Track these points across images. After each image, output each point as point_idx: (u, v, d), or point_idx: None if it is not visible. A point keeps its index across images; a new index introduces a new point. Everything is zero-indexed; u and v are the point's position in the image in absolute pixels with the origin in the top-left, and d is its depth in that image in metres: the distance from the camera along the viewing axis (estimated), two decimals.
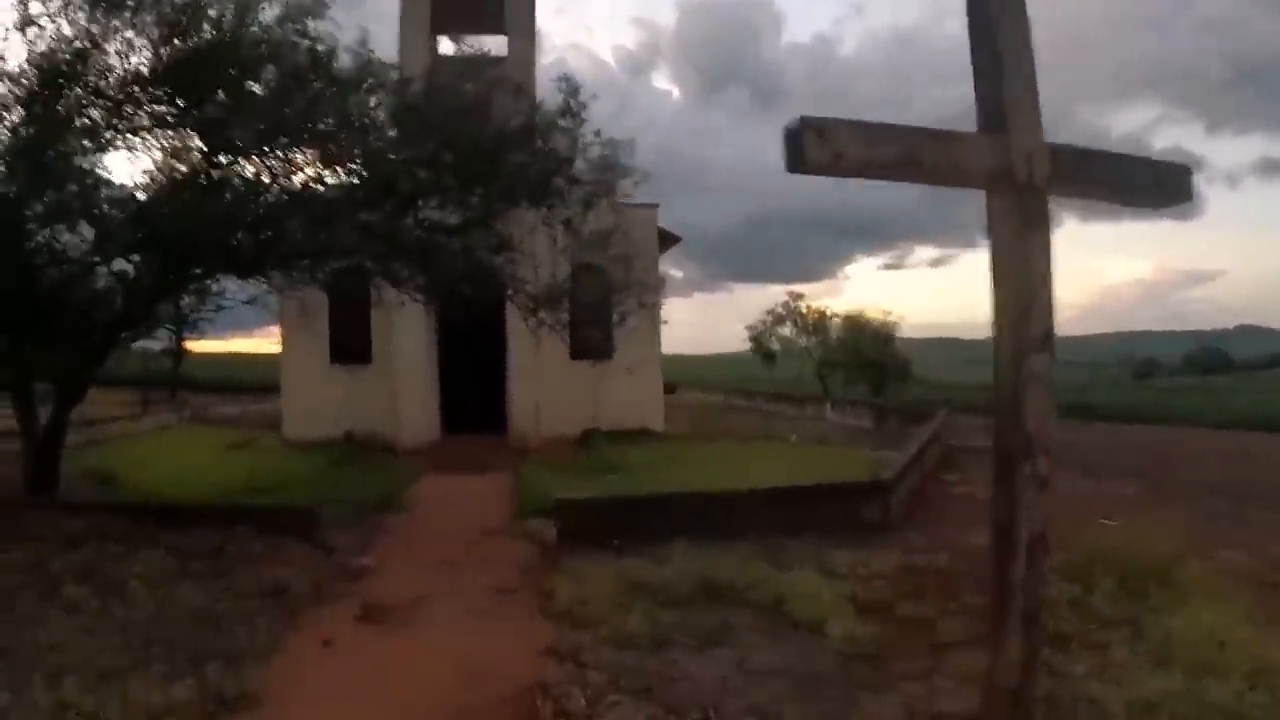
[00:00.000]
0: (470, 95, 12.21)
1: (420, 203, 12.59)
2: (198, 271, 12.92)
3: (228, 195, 11.99)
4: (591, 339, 25.51)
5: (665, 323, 15.85)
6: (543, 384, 24.32)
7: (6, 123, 11.17)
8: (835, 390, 44.57)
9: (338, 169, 12.13)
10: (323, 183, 12.33)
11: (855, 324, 47.02)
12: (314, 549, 10.50)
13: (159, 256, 12.41)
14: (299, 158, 12.01)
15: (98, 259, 13.00)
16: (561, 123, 12.44)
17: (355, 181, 12.20)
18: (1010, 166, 3.45)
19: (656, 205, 26.08)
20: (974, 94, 3.56)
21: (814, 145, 3.06)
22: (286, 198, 12.19)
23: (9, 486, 13.84)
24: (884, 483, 12.66)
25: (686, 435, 26.58)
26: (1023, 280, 3.51)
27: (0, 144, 11.22)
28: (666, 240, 28.10)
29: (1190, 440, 24.99)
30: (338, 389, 25.32)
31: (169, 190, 11.99)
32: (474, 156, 11.70)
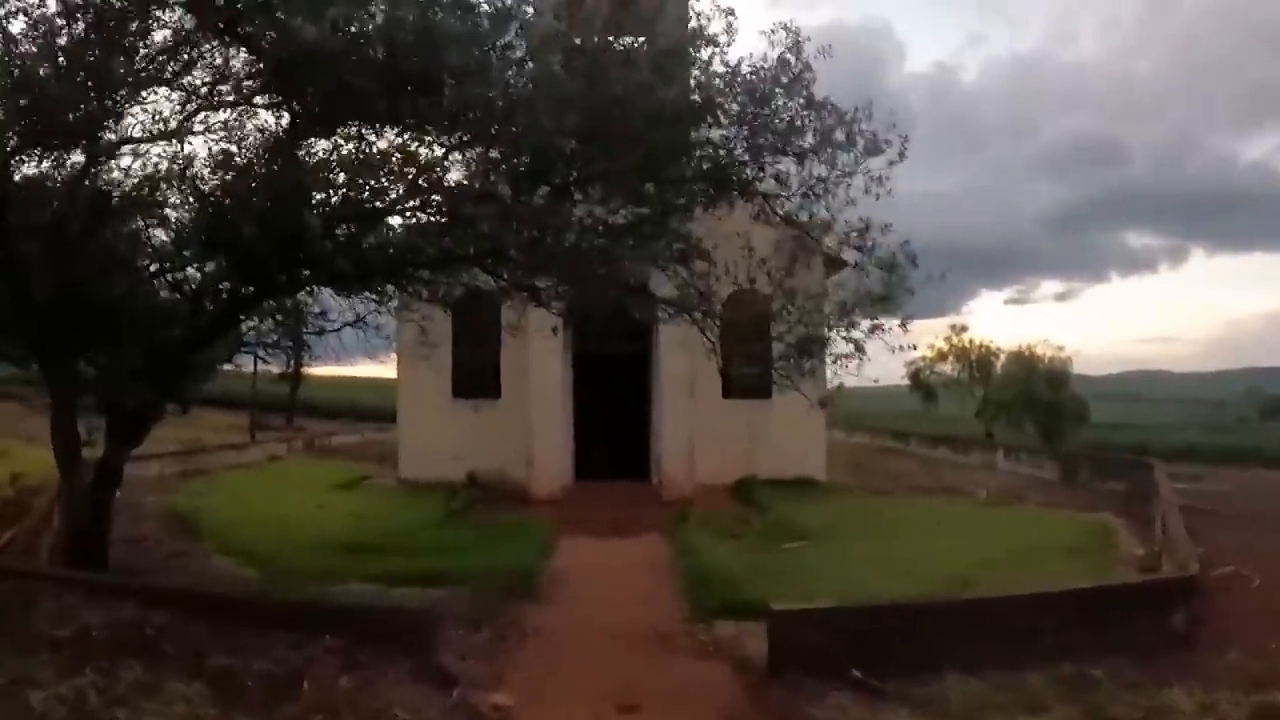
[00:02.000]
0: (648, 53, 8.89)
1: (578, 194, 9.24)
2: (283, 280, 9.85)
3: (317, 180, 8.95)
4: (747, 375, 22.38)
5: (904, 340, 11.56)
6: (696, 426, 20.92)
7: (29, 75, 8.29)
8: (1000, 433, 40.12)
9: (470, 145, 8.89)
10: (447, 163, 9.13)
11: (1024, 361, 42.42)
12: (427, 677, 7.21)
13: (233, 261, 9.42)
14: (416, 126, 8.82)
15: (158, 262, 10.18)
16: (781, 88, 8.93)
17: (495, 160, 8.97)
18: None
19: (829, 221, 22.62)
20: None
21: None
22: (401, 183, 9.06)
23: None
24: (1194, 580, 9.55)
25: (855, 487, 22.89)
26: None
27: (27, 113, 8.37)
28: (834, 264, 24.54)
29: None
30: (461, 426, 22.47)
31: (242, 175, 9.04)
32: (656, 129, 8.33)
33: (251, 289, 9.85)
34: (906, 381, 47.54)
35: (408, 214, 9.26)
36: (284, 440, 33.16)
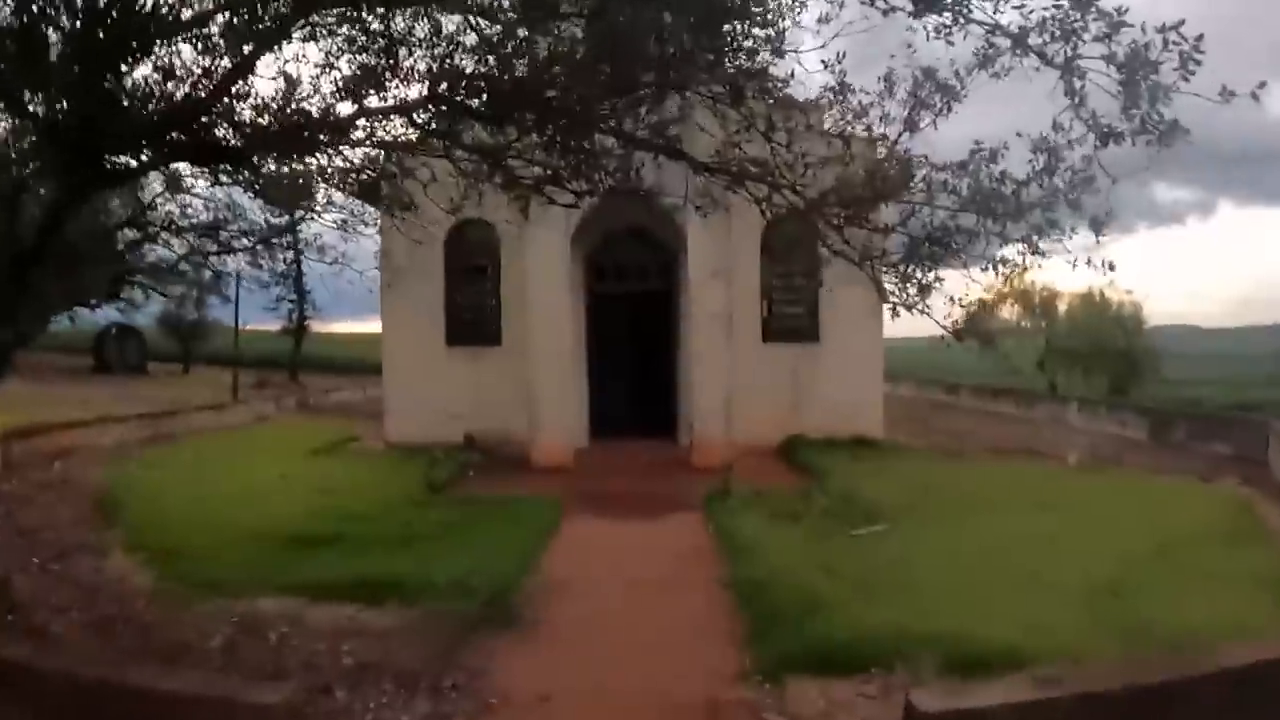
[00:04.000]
0: None
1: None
2: (130, 164, 6.44)
3: None
4: (790, 316, 19.52)
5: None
6: (734, 376, 17.59)
7: None
8: (1068, 385, 36.48)
9: None
10: None
11: (1093, 306, 38.45)
12: None
13: (46, 133, 6.05)
14: None
15: None
16: None
17: None
18: None
19: (885, 137, 19.29)
20: None
21: None
22: None
23: None
24: None
25: (919, 448, 19.44)
26: None
27: None
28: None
29: None
30: (455, 379, 19.20)
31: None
32: None
33: (75, 179, 6.41)
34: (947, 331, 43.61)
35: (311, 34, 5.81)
36: (274, 398, 30.00)
